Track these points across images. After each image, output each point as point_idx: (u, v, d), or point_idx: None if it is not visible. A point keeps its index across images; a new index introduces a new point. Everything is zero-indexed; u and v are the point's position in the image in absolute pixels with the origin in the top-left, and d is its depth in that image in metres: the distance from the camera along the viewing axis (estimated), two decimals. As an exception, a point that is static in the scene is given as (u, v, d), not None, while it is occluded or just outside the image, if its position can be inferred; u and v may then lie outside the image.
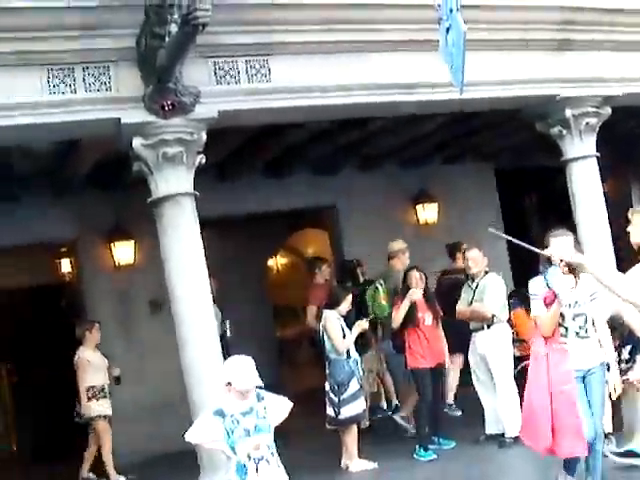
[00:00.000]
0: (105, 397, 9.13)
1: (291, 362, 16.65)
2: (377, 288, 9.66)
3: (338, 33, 7.09)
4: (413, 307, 8.50)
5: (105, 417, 9.13)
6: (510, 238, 5.31)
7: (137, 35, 6.38)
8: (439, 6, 6.56)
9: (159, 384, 10.10)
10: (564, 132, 8.46)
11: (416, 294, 8.43)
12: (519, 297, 9.54)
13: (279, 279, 17.65)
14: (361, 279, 10.35)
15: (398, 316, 8.53)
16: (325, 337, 8.13)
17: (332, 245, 12.88)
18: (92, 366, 9.09)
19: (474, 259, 8.62)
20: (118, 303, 10.94)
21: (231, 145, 9.53)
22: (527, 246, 4.89)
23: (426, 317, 8.54)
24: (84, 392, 9.01)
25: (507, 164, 13.59)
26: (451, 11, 6.42)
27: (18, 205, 10.09)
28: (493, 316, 8.37)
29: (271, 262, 17.63)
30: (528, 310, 9.35)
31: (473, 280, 8.65)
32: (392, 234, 11.84)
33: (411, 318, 8.47)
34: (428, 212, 12.69)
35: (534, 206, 16.22)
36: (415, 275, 8.66)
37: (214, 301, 7.13)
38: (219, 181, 10.86)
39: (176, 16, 6.15)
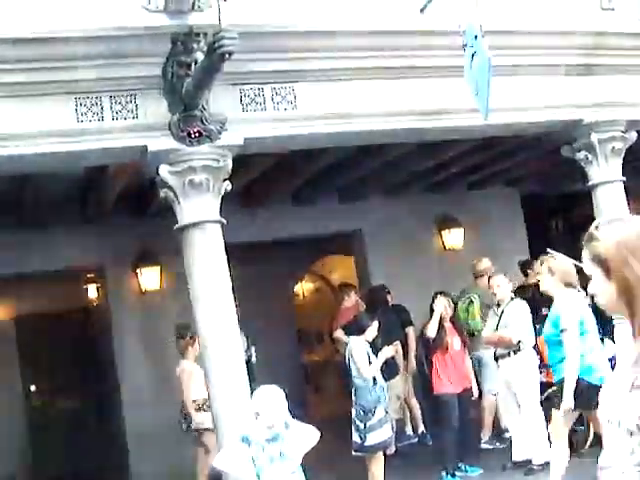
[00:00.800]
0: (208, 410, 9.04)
1: (317, 388, 16.60)
2: (472, 302, 9.67)
3: (364, 60, 7.12)
4: (442, 332, 8.49)
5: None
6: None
7: (164, 63, 6.44)
8: (464, 32, 6.59)
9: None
10: (590, 157, 8.42)
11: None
12: (544, 323, 9.50)
13: (305, 304, 17.64)
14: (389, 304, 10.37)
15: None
16: (351, 363, 8.11)
17: (358, 270, 12.88)
18: (195, 378, 9.04)
19: (499, 286, 8.60)
20: (144, 328, 10.99)
21: (257, 171, 9.57)
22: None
23: (454, 342, 8.53)
24: (191, 404, 8.93)
25: (533, 189, 13.56)
26: (475, 37, 6.44)
27: (47, 231, 10.19)
28: (519, 342, 8.33)
29: (297, 287, 17.64)
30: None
31: (498, 306, 8.62)
32: (418, 259, 11.87)
33: (440, 342, 8.46)
34: (454, 237, 12.68)
35: (560, 231, 16.16)
36: (443, 301, 8.67)
37: (239, 327, 7.12)
38: (245, 207, 10.90)
39: (202, 44, 6.24)
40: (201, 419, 8.74)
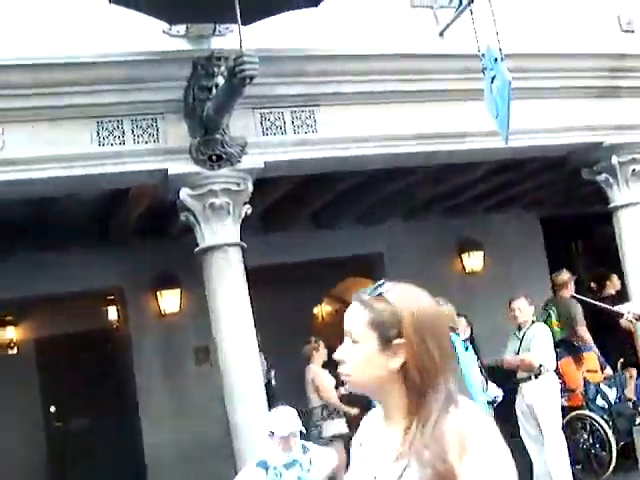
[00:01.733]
0: (340, 416, 9.01)
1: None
2: (550, 315, 9.64)
3: (384, 83, 7.14)
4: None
5: (341, 436, 8.91)
6: (592, 301, 5.35)
7: (185, 87, 6.50)
8: (483, 56, 6.61)
9: (203, 431, 10.08)
10: (611, 179, 8.39)
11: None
12: (566, 346, 9.44)
13: (324, 327, 17.58)
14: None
15: None
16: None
17: (377, 294, 12.82)
18: (324, 383, 9.02)
19: (520, 309, 8.55)
20: (164, 350, 10.99)
21: (277, 194, 9.59)
22: (604, 306, 4.89)
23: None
24: (338, 402, 8.92)
25: (553, 211, 13.50)
26: (495, 60, 6.46)
27: (67, 253, 10.23)
28: (540, 366, 8.27)
29: (316, 310, 17.60)
30: (576, 359, 9.31)
31: (520, 329, 8.56)
32: (437, 282, 11.79)
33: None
34: (473, 260, 12.62)
35: (580, 253, 16.07)
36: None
37: (259, 349, 7.13)
38: (265, 230, 10.91)
39: (223, 68, 6.28)
40: (331, 427, 8.83)
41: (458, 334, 7.28)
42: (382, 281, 2.10)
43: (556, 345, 9.06)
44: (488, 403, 7.51)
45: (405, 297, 2.06)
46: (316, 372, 9.13)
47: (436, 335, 1.99)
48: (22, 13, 6.34)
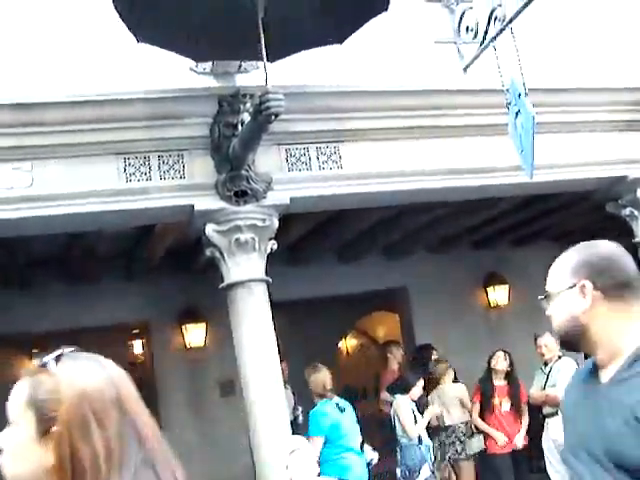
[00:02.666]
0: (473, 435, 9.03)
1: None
2: None
3: (408, 119, 7.16)
4: (490, 392, 8.39)
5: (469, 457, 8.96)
6: None
7: (211, 124, 6.55)
8: (507, 91, 6.62)
9: (228, 465, 10.06)
10: (635, 213, 8.35)
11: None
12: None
13: (349, 361, 17.56)
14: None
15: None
16: (396, 422, 8.05)
17: (402, 327, 12.82)
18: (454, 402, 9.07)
19: (547, 345, 8.51)
20: (189, 384, 11.01)
21: (302, 229, 9.62)
22: None
23: (503, 403, 8.41)
24: (480, 422, 8.90)
25: (577, 244, 13.44)
26: (519, 95, 6.47)
27: (93, 288, 10.30)
28: None
29: (341, 344, 17.58)
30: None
31: (546, 364, 8.51)
32: (463, 316, 11.79)
33: (487, 404, 8.36)
34: (499, 294, 12.58)
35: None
36: (498, 354, 8.60)
37: (286, 385, 7.11)
38: (290, 264, 10.93)
39: (249, 105, 6.34)
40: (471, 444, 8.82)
41: (330, 398, 7.48)
42: (62, 350, 1.72)
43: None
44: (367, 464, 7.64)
45: (75, 371, 1.66)
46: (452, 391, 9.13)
47: (107, 426, 1.60)
48: (50, 51, 6.44)
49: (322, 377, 7.61)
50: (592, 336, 2.41)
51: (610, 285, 2.40)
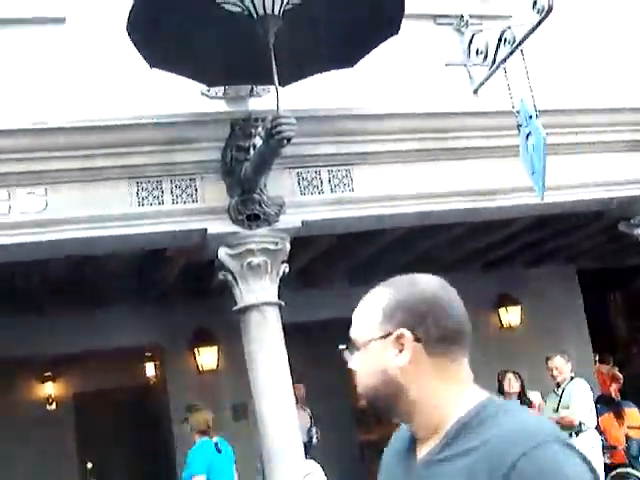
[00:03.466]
0: None
1: (371, 469, 16.33)
2: None
3: (419, 141, 7.19)
4: None
5: None
6: None
7: (223, 148, 6.59)
8: (518, 113, 6.66)
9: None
10: (647, 232, 8.35)
11: None
12: (606, 401, 9.32)
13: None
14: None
15: None
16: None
17: (414, 349, 12.77)
18: None
19: (558, 367, 8.48)
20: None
21: (314, 252, 9.62)
22: None
23: None
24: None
25: (589, 264, 13.42)
26: (530, 117, 6.50)
27: (107, 310, 10.33)
28: (581, 423, 8.16)
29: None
30: (617, 414, 9.18)
31: (558, 386, 8.47)
32: (475, 338, 11.69)
33: None
34: (511, 316, 12.55)
35: (618, 305, 15.94)
36: (509, 376, 8.56)
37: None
38: (302, 286, 10.93)
39: (260, 129, 6.38)
40: None
41: (210, 438, 7.60)
42: None
43: (595, 401, 8.96)
44: None
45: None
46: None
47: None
48: (64, 76, 6.51)
49: (204, 417, 7.74)
50: (409, 401, 1.87)
51: (435, 337, 1.87)
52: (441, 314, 1.92)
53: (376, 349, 1.92)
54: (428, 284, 2.01)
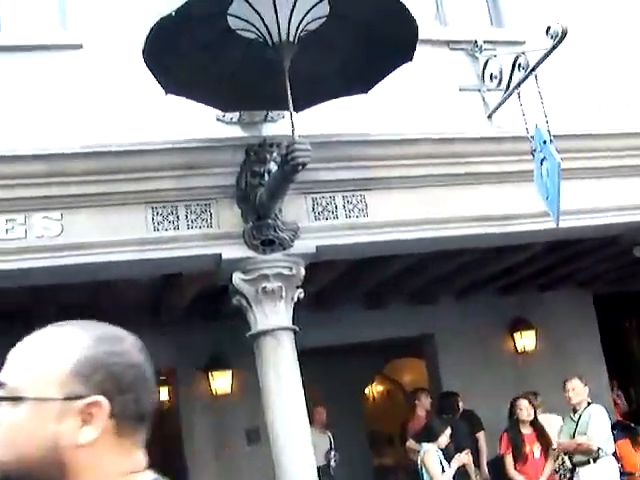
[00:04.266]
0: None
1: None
2: None
3: (434, 167, 7.19)
4: (520, 441, 8.29)
5: None
6: None
7: (238, 173, 6.62)
8: (532, 138, 6.66)
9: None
10: (663, 257, 8.32)
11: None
12: (622, 427, 9.25)
13: (375, 407, 17.45)
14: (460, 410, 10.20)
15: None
16: (424, 470, 7.98)
17: (429, 374, 12.73)
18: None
19: (575, 389, 8.42)
20: (215, 432, 10.97)
21: (328, 277, 9.62)
22: None
23: (535, 450, 8.31)
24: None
25: (605, 289, 13.35)
26: (544, 142, 6.50)
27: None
28: (599, 449, 8.09)
29: (367, 390, 17.48)
30: (633, 440, 9.10)
31: (575, 411, 8.41)
32: (489, 362, 11.71)
33: (519, 454, 8.25)
34: (526, 340, 12.48)
35: (634, 330, 15.83)
36: (524, 404, 8.51)
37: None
38: (317, 311, 10.91)
39: (275, 155, 6.40)
40: None
41: None
42: None
43: (612, 427, 8.89)
44: None
45: None
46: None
47: None
48: (80, 103, 6.56)
49: None
50: None
51: (131, 414, 1.51)
52: (144, 387, 1.55)
53: (48, 411, 1.42)
54: (134, 346, 1.58)
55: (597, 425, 8.20)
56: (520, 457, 8.25)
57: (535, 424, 8.54)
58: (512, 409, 8.63)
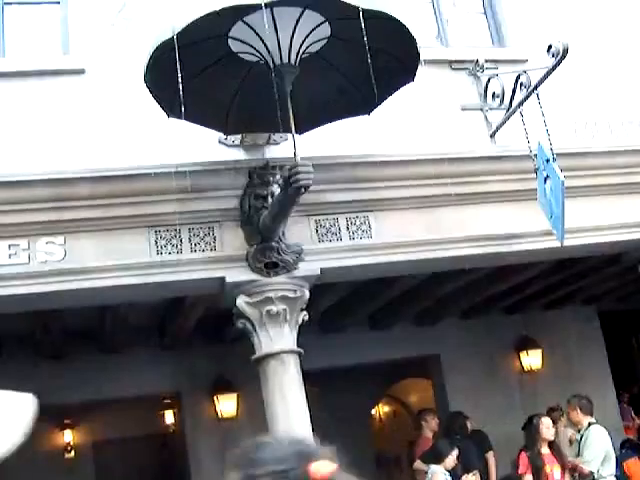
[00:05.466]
0: None
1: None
2: None
3: (437, 187, 7.17)
4: (541, 461, 8.19)
5: None
6: None
7: (241, 196, 6.61)
8: (535, 156, 6.65)
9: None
10: (667, 273, 8.29)
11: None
12: (631, 445, 9.19)
13: (382, 427, 17.38)
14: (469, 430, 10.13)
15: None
16: (431, 492, 7.93)
17: (435, 394, 12.68)
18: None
19: (575, 410, 8.37)
20: (221, 455, 10.90)
21: (333, 298, 9.60)
22: None
23: (554, 470, 8.22)
24: None
25: (611, 306, 13.32)
26: (547, 161, 6.49)
27: (125, 358, 10.33)
28: (592, 473, 7.98)
29: (374, 411, 17.42)
30: (642, 458, 9.04)
31: (579, 432, 8.35)
32: (496, 382, 11.65)
33: (540, 475, 8.16)
34: (532, 359, 12.43)
35: (640, 347, 15.81)
36: (549, 423, 8.42)
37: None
38: (322, 332, 10.89)
39: (278, 177, 6.39)
40: None
41: None
42: None
43: (621, 445, 8.83)
44: None
45: None
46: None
47: None
48: (82, 127, 6.57)
49: None
50: None
51: None
52: None
53: None
54: None
55: (591, 448, 8.10)
56: (540, 478, 8.11)
57: (552, 443, 8.44)
58: (530, 426, 8.52)
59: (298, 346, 6.75)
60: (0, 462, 1.62)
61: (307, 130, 6.36)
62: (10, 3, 7.16)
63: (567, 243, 6.72)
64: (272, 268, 6.58)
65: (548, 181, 6.55)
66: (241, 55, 5.75)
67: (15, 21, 7.13)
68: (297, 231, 6.74)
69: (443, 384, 12.18)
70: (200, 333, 10.18)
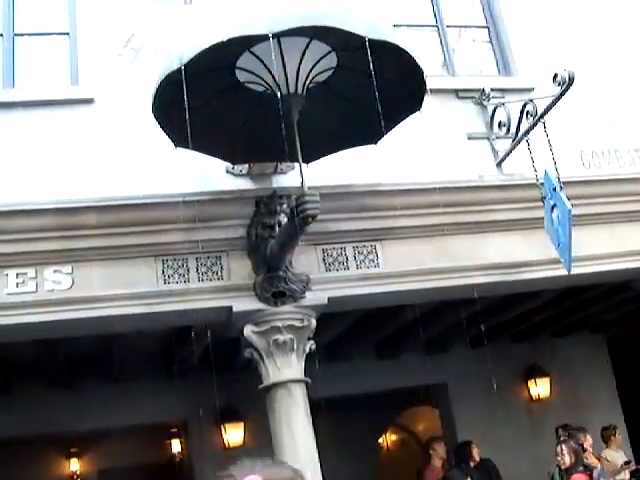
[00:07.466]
0: None
1: None
2: None
3: (444, 216, 7.16)
4: None
5: None
6: None
7: (248, 225, 6.61)
8: (542, 185, 6.66)
9: None
10: (677, 300, 8.26)
11: None
12: (642, 475, 9.13)
13: (390, 456, 17.28)
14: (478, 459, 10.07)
15: None
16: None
17: (443, 422, 12.62)
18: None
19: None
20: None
21: (340, 327, 9.57)
22: None
23: None
24: None
25: (619, 333, 13.26)
26: (554, 189, 6.49)
27: (132, 387, 10.30)
28: None
29: (381, 439, 17.34)
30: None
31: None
32: (504, 410, 11.58)
33: None
34: (540, 387, 12.37)
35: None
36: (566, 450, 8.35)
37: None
38: (329, 362, 10.84)
39: (285, 206, 6.40)
40: None
41: None
42: None
43: (632, 474, 8.77)
44: None
45: None
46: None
47: None
48: (90, 156, 6.60)
49: None
50: None
51: None
52: None
53: None
54: None
55: None
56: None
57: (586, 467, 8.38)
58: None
59: (305, 375, 6.73)
60: None
61: (314, 159, 6.37)
62: (20, 34, 7.22)
63: (575, 271, 6.70)
64: (279, 297, 6.57)
65: (555, 209, 6.54)
66: (248, 85, 5.77)
67: (25, 52, 7.19)
68: (304, 260, 6.75)
69: (451, 413, 12.12)
70: (207, 362, 10.10)
